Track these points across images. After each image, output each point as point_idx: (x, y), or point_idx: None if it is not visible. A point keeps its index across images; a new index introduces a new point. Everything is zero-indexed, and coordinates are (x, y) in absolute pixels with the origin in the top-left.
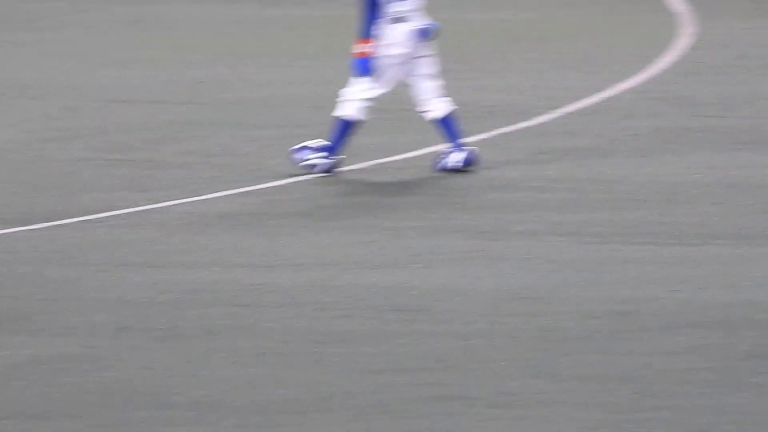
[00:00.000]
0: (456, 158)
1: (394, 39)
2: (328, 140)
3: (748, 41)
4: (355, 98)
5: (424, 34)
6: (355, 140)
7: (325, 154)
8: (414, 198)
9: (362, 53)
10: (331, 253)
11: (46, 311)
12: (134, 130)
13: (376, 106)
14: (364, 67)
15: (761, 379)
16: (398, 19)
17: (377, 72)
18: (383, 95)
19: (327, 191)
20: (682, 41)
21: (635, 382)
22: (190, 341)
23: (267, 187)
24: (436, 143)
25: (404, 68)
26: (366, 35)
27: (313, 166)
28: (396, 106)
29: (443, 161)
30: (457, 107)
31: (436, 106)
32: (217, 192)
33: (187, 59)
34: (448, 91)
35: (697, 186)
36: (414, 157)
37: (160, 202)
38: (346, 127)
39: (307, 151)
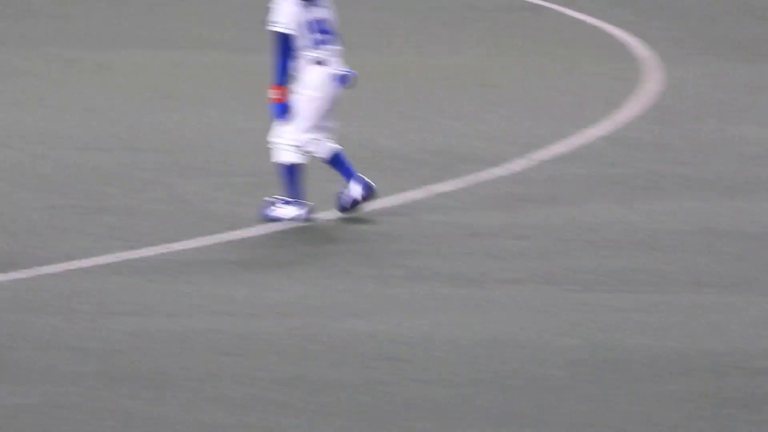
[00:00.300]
0: (355, 191)
1: (312, 83)
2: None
3: (713, 87)
4: (286, 143)
5: (343, 81)
6: (331, 188)
7: (289, 205)
8: (393, 245)
9: (277, 99)
10: (314, 301)
11: (32, 360)
12: (106, 177)
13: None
14: (281, 112)
15: (755, 428)
16: (318, 63)
17: (293, 116)
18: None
19: (304, 239)
20: (649, 87)
21: (628, 431)
22: (179, 390)
23: (244, 235)
24: (412, 188)
25: (322, 113)
26: (280, 81)
27: (283, 218)
28: (371, 152)
29: (343, 198)
30: (342, 147)
31: (323, 147)
32: (193, 239)
33: (151, 105)
34: (419, 137)
35: (677, 234)
36: (391, 204)
37: (138, 249)
38: (291, 172)
39: (274, 205)
